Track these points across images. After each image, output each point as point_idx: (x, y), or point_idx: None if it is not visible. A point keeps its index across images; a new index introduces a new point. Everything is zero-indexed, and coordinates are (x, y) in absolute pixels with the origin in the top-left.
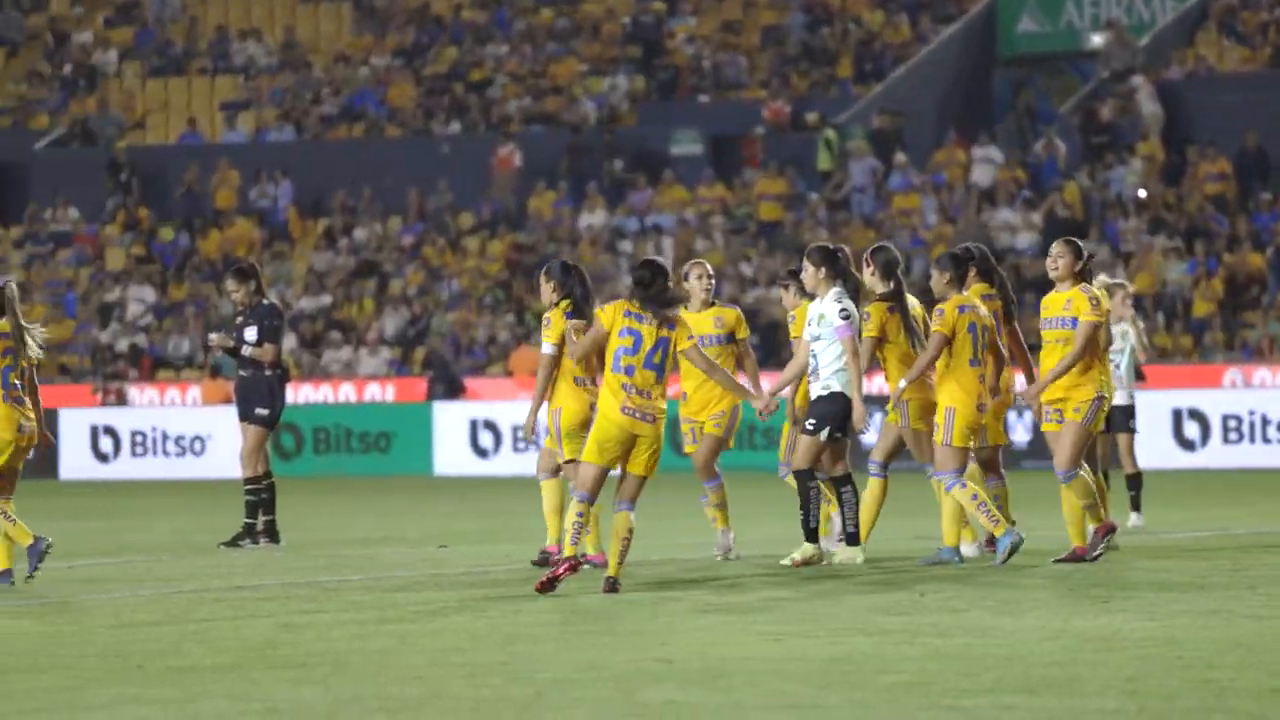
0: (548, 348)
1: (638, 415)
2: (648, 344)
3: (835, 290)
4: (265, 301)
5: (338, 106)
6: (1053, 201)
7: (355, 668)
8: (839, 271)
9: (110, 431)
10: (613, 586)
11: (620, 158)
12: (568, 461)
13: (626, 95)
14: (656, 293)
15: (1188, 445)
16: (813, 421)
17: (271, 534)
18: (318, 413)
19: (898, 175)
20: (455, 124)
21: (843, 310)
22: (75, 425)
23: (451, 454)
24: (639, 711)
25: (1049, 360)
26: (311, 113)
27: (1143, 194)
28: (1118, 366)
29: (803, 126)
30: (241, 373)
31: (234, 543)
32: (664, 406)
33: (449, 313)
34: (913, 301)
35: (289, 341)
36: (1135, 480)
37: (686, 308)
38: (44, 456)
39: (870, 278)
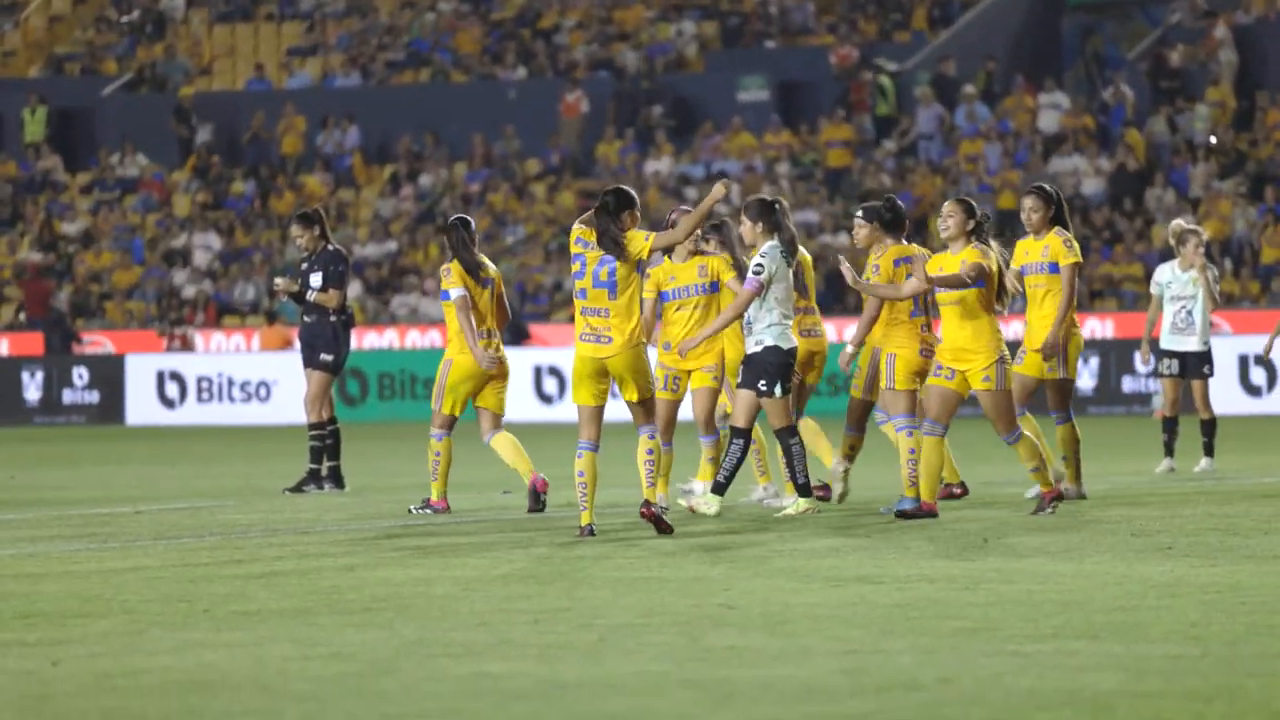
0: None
1: (594, 339)
2: (591, 265)
3: (770, 244)
4: (330, 247)
5: (404, 52)
6: (1119, 148)
7: (419, 613)
8: (774, 225)
9: (176, 377)
10: (647, 509)
11: (660, 104)
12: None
13: (694, 40)
14: (608, 221)
15: (1254, 391)
16: (763, 383)
17: (336, 479)
18: (383, 358)
19: (965, 121)
20: (521, 70)
21: (756, 265)
22: (142, 371)
23: (516, 400)
24: (702, 656)
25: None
26: (378, 58)
27: (1213, 140)
28: (1190, 314)
29: (871, 72)
30: (306, 318)
31: (299, 488)
32: (628, 328)
33: (514, 258)
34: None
35: (354, 288)
36: (1209, 426)
37: (671, 257)
38: (112, 402)
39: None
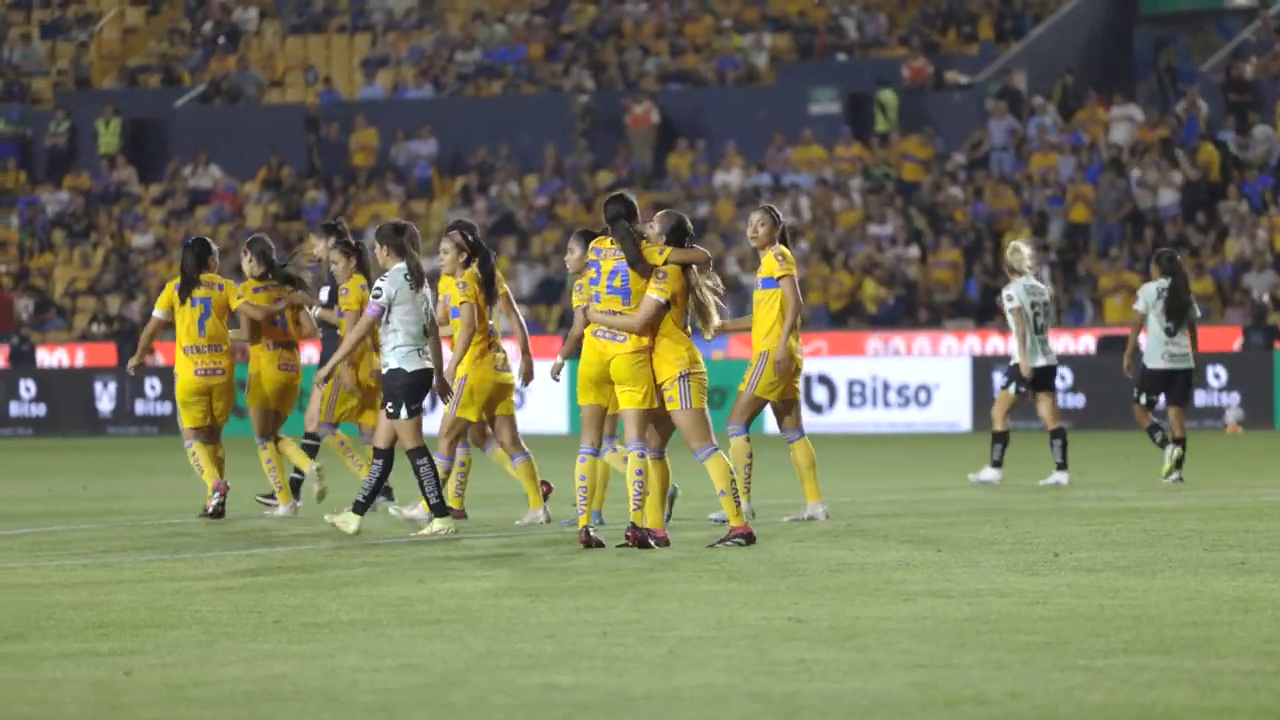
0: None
1: (607, 335)
2: (606, 273)
3: (396, 268)
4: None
5: (475, 64)
6: (1191, 161)
7: (488, 624)
8: (400, 250)
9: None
10: (633, 532)
11: (731, 116)
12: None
13: (765, 52)
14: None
15: None
16: (390, 405)
17: (297, 490)
18: None
19: (1036, 134)
20: (592, 81)
21: (375, 290)
22: None
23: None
24: (770, 669)
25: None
26: (449, 70)
27: None
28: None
29: (943, 85)
30: (322, 333)
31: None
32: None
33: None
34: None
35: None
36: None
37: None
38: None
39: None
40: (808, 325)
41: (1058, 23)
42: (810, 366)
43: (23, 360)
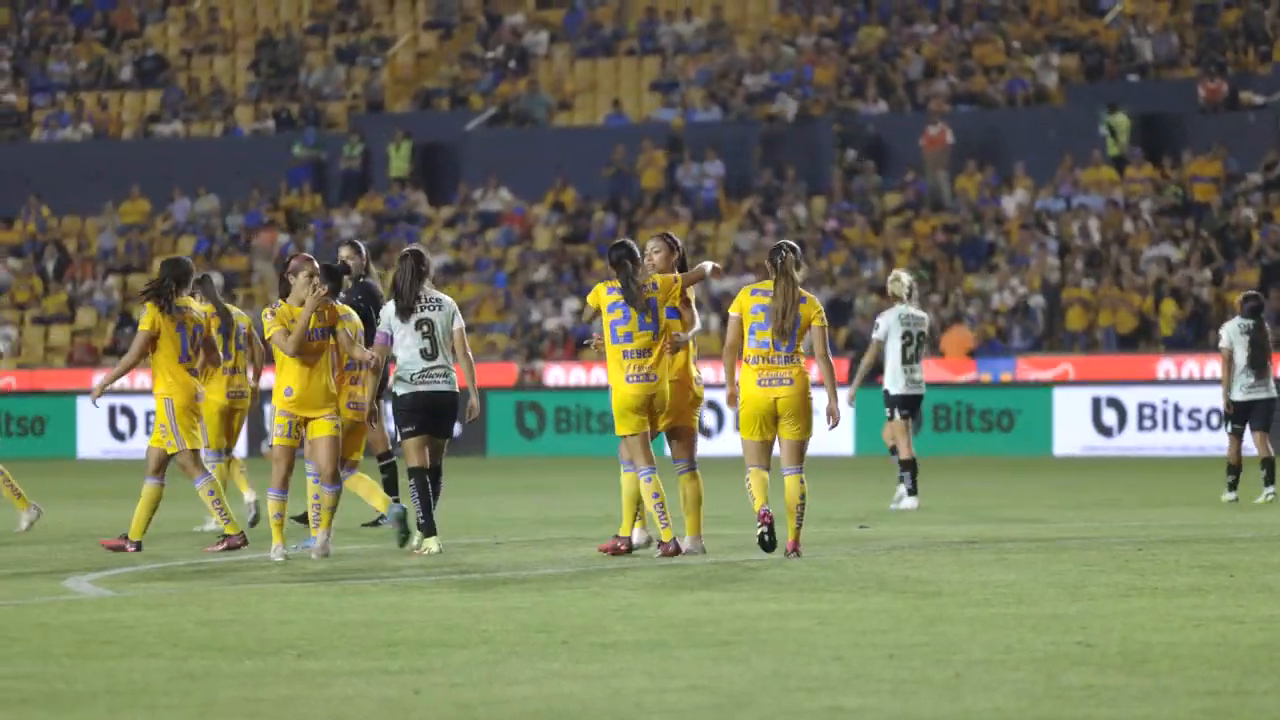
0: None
1: (642, 378)
2: (635, 312)
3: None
4: (363, 279)
5: (763, 86)
6: None
7: (775, 646)
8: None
9: (535, 408)
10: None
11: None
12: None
13: (1055, 73)
14: (629, 271)
15: None
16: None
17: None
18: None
19: None
20: (882, 103)
21: (378, 320)
22: (501, 403)
23: (868, 433)
24: (1059, 694)
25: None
26: (737, 92)
27: None
28: None
29: (1237, 106)
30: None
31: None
32: (666, 364)
33: (871, 294)
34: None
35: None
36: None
37: (289, 301)
38: (474, 432)
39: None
40: (1097, 347)
41: None
42: (1099, 390)
43: None
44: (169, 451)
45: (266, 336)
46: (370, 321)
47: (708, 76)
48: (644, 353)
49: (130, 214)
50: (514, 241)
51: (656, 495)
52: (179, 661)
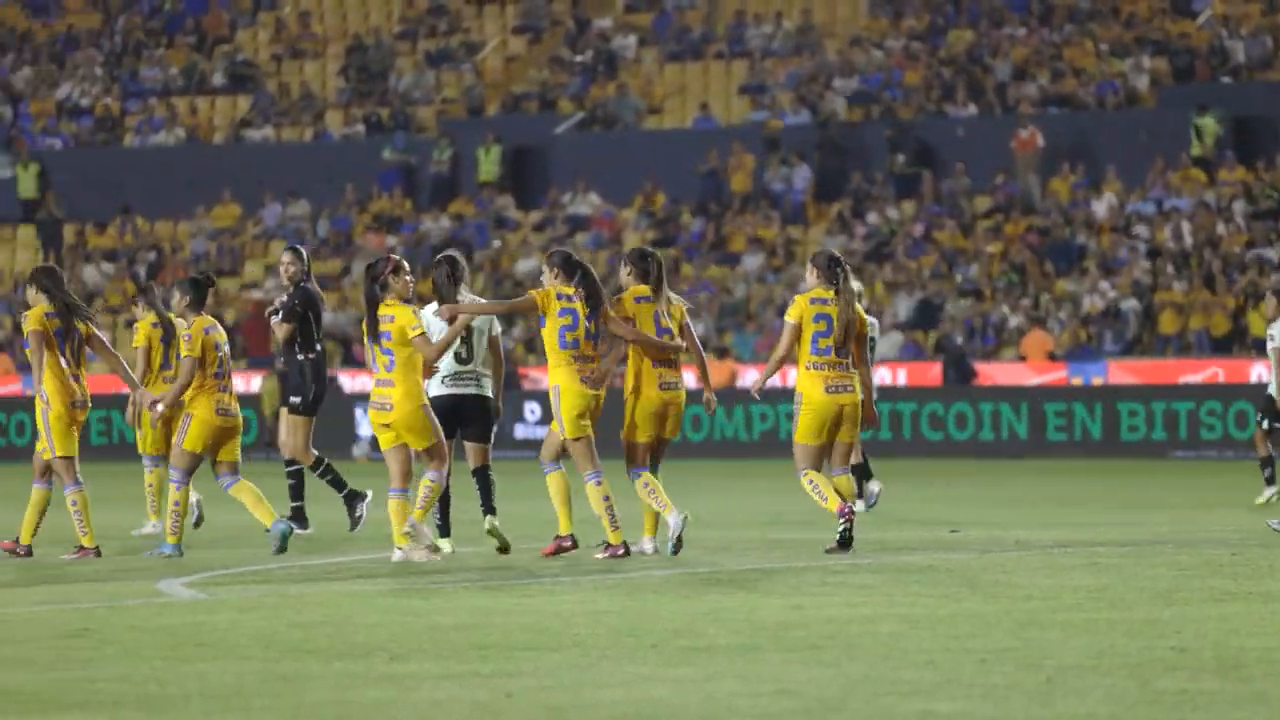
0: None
1: (591, 382)
2: (583, 318)
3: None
4: (303, 284)
5: (852, 89)
6: None
7: (866, 650)
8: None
9: None
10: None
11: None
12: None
13: (1146, 75)
14: (581, 279)
15: None
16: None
17: (301, 520)
18: None
19: None
20: (971, 106)
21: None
22: None
23: (961, 437)
24: (1153, 699)
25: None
26: (826, 96)
27: None
28: None
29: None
30: (283, 358)
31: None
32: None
33: (962, 298)
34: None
35: None
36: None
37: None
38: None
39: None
40: (1190, 351)
41: None
42: (1201, 393)
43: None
44: (44, 457)
45: (411, 337)
46: (309, 327)
47: (796, 80)
48: (589, 359)
49: (222, 218)
50: (603, 245)
51: (607, 499)
52: (271, 664)
